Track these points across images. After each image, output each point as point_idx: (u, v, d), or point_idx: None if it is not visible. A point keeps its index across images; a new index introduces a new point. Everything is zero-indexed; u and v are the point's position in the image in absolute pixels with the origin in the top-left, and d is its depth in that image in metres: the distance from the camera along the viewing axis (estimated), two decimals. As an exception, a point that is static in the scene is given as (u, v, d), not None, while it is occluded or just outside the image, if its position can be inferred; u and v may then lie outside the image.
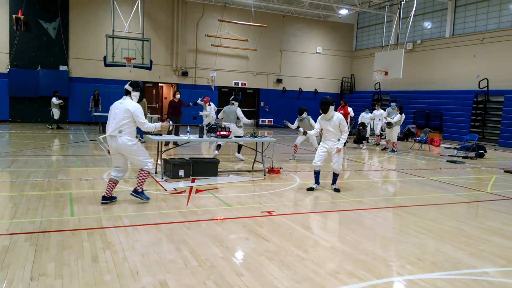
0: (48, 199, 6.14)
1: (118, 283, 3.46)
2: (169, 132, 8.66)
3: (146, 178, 6.09)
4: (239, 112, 10.73)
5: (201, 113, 16.86)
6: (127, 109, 5.73)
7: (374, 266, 4.10)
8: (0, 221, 5.01)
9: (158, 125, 6.22)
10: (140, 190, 6.08)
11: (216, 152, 10.70)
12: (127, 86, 5.99)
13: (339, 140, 7.37)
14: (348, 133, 7.50)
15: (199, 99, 16.90)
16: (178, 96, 13.40)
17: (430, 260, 4.35)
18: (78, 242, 4.38)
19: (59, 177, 7.83)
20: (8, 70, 20.08)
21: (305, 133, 8.11)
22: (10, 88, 20.09)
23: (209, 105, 17.57)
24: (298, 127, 11.32)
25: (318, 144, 8.02)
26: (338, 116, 7.31)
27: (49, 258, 3.91)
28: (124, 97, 5.95)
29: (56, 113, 17.89)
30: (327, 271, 3.92)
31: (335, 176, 7.65)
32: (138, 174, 6.07)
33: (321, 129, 7.59)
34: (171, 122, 6.91)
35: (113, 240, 4.47)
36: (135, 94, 5.97)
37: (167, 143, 12.24)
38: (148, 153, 6.12)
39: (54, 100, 17.82)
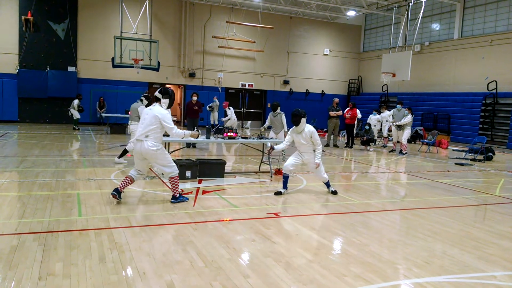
0: (56, 199, 6.19)
1: (125, 284, 3.47)
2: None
3: (177, 182, 6.19)
4: (140, 110, 9.60)
5: (223, 119, 17.02)
6: (155, 115, 5.92)
7: (381, 268, 4.09)
8: (9, 220, 5.06)
9: (187, 133, 6.35)
10: (177, 195, 6.21)
11: (117, 159, 9.74)
12: (157, 93, 6.15)
13: (314, 151, 7.19)
14: (321, 146, 7.22)
15: (213, 102, 17.05)
16: (195, 98, 13.47)
17: (437, 263, 4.32)
18: (86, 242, 4.41)
19: (67, 178, 7.89)
20: (17, 71, 20.26)
21: (272, 148, 7.39)
22: (19, 88, 20.26)
23: (229, 108, 17.67)
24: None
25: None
26: (309, 128, 7.15)
27: (57, 258, 3.93)
28: (154, 103, 6.13)
29: (75, 114, 18.10)
30: (334, 273, 3.91)
31: (327, 183, 7.51)
32: (170, 182, 6.22)
33: (293, 141, 7.36)
34: (200, 131, 6.98)
35: (120, 241, 4.49)
36: (165, 101, 6.11)
37: (189, 145, 12.41)
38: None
39: (75, 102, 18.00)
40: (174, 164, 6.22)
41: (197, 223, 5.28)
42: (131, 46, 18.27)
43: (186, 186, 7.54)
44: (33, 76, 20.38)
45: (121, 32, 18.70)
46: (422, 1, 18.88)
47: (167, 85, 24.92)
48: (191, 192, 7.03)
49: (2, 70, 20.19)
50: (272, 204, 6.57)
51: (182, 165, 8.10)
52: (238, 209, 6.14)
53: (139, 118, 9.45)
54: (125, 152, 9.78)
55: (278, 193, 7.25)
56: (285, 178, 7.38)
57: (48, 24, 20.68)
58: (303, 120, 7.08)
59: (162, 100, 6.11)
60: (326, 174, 7.44)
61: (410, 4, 19.40)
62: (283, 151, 11.55)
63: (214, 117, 20.23)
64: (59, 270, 3.68)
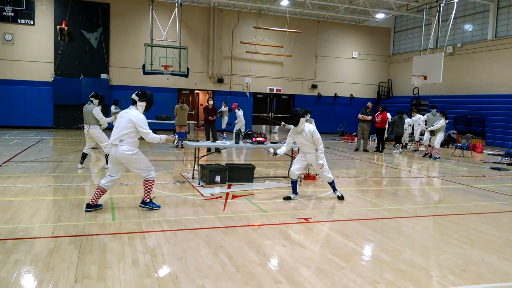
0: (90, 203, 6.34)
1: (158, 287, 3.52)
2: (207, 139, 8.61)
3: (151, 188, 5.99)
4: (96, 111, 9.19)
5: (236, 121, 17.15)
6: (130, 119, 5.68)
7: (415, 276, 3.99)
8: (46, 224, 5.22)
9: (163, 137, 6.01)
10: (148, 200, 6.00)
11: (80, 165, 9.44)
12: (133, 96, 5.92)
13: (317, 150, 6.94)
14: (323, 145, 6.92)
15: (222, 107, 17.24)
16: (211, 102, 13.38)
17: (474, 271, 4.18)
18: (120, 245, 4.50)
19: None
20: (52, 79, 20.99)
21: (275, 153, 7.14)
22: (54, 96, 20.99)
23: (239, 110, 17.74)
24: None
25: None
26: (309, 128, 6.87)
27: (92, 261, 4.03)
28: (131, 106, 5.92)
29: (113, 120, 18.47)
30: (367, 280, 3.84)
31: (331, 184, 7.24)
32: (143, 185, 6.00)
33: (294, 142, 7.19)
34: (177, 135, 6.67)
35: (152, 244, 4.56)
36: (141, 104, 5.88)
37: (209, 149, 12.19)
38: (151, 162, 6.06)
39: (112, 108, 18.36)
40: (152, 168, 5.97)
41: (227, 228, 5.31)
42: (161, 53, 18.62)
43: (215, 190, 7.60)
44: (67, 83, 21.07)
45: (152, 39, 19.09)
46: (454, 2, 18.43)
47: (196, 91, 25.28)
48: (220, 197, 7.08)
49: (38, 78, 20.97)
50: (302, 209, 6.53)
51: (212, 170, 8.16)
52: (267, 214, 6.13)
53: (96, 121, 9.17)
54: (84, 156, 9.54)
55: (287, 198, 7.09)
56: (294, 183, 7.20)
57: (81, 33, 21.36)
58: (302, 119, 6.82)
59: (139, 103, 5.86)
60: (330, 173, 7.15)
61: (441, 5, 18.97)
62: None
63: (223, 122, 19.98)
64: (94, 273, 3.77)
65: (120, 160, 5.78)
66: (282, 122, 11.39)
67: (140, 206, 6.06)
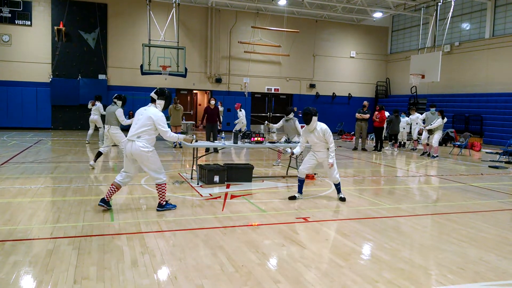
0: (89, 204, 6.33)
1: (157, 288, 3.52)
2: (208, 139, 8.60)
3: (165, 190, 5.97)
4: (118, 113, 9.45)
5: (236, 121, 17.15)
6: (149, 117, 5.71)
7: (414, 275, 4.00)
8: (44, 225, 5.21)
9: (181, 136, 6.10)
10: (163, 203, 6.00)
11: (92, 162, 9.69)
12: (152, 94, 5.95)
13: (328, 149, 6.95)
14: (334, 144, 6.95)
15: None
16: (213, 102, 13.40)
17: (472, 269, 4.19)
18: (118, 246, 4.49)
19: (99, 183, 8.07)
20: (50, 79, 20.96)
21: (292, 153, 7.39)
22: (52, 96, 20.96)
23: (240, 110, 17.76)
24: (288, 140, 10.08)
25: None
26: (322, 126, 6.90)
27: (91, 262, 4.02)
28: (150, 104, 5.95)
29: None
30: (366, 279, 3.85)
31: (337, 186, 7.22)
32: (157, 190, 5.99)
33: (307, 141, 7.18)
34: (194, 136, 6.75)
35: (151, 245, 4.56)
36: (160, 102, 5.92)
37: (207, 149, 12.22)
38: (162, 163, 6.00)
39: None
40: (164, 171, 5.98)
41: (226, 228, 5.31)
42: (159, 53, 18.60)
43: (214, 190, 7.59)
44: (65, 84, 21.04)
45: (149, 39, 19.07)
46: (451, 1, 18.45)
47: (194, 91, 25.27)
48: (219, 197, 7.08)
49: (36, 79, 20.94)
50: (301, 208, 6.53)
51: (211, 170, 8.16)
52: (266, 213, 6.14)
53: (118, 122, 9.41)
54: (99, 154, 9.71)
55: (292, 198, 7.11)
56: (300, 182, 7.22)
57: (79, 33, 21.34)
58: (314, 118, 6.85)
59: (158, 101, 5.90)
60: (338, 174, 7.13)
61: (439, 4, 19.00)
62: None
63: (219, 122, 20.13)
64: (93, 274, 3.76)
65: (134, 156, 5.76)
66: (266, 122, 11.43)
67: (157, 210, 6.01)
